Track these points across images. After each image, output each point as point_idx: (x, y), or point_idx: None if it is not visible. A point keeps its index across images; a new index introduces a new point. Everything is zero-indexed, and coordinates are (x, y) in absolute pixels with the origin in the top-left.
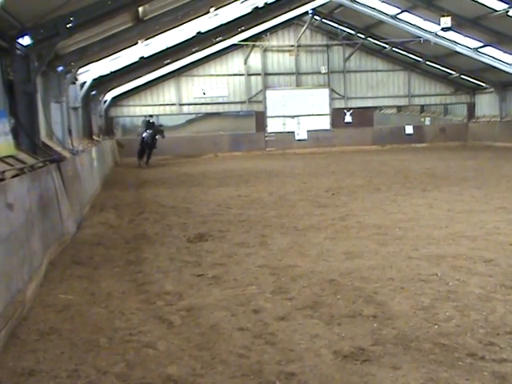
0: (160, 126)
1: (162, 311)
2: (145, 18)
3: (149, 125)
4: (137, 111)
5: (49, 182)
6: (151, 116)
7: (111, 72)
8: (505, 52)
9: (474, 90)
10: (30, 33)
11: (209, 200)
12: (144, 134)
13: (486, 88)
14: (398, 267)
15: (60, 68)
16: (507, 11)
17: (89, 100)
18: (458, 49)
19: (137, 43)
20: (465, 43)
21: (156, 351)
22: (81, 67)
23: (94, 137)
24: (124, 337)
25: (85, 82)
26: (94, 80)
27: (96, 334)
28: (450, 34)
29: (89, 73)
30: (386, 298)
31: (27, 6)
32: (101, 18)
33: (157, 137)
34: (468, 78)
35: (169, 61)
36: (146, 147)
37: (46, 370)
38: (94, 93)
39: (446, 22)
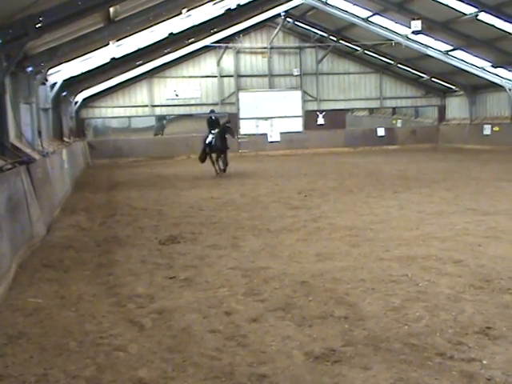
0: (227, 122)
1: (133, 314)
2: (116, 19)
3: (213, 123)
4: (108, 113)
5: (18, 184)
6: (213, 111)
7: (82, 73)
8: (474, 55)
9: (445, 92)
10: None
11: (181, 202)
12: (209, 138)
13: (456, 91)
14: (369, 268)
15: (29, 68)
16: (476, 15)
17: (59, 101)
18: (429, 52)
19: (108, 44)
20: (435, 46)
21: (127, 354)
22: (51, 68)
23: (65, 138)
24: (94, 340)
25: (55, 83)
26: (65, 81)
27: (66, 338)
28: (421, 37)
29: (59, 73)
30: (357, 299)
31: None
32: (71, 19)
33: (226, 136)
34: (439, 80)
35: (141, 62)
36: (217, 152)
37: (15, 374)
38: (64, 94)
39: (417, 25)
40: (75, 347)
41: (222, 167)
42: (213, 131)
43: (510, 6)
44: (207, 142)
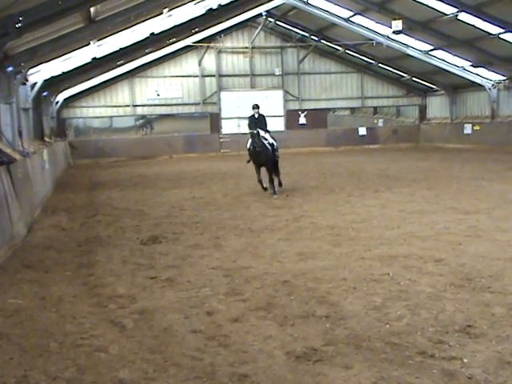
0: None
1: (115, 314)
2: (97, 19)
3: (256, 121)
4: (90, 112)
5: None
6: (257, 106)
7: (63, 73)
8: (454, 55)
9: (426, 92)
10: None
11: (163, 202)
12: (256, 142)
13: (436, 90)
14: (351, 268)
15: (9, 68)
16: (457, 15)
17: (40, 101)
18: (410, 52)
19: (89, 44)
20: (416, 46)
21: (108, 355)
22: (31, 68)
23: (46, 138)
24: (75, 341)
25: (36, 83)
26: (46, 81)
27: (46, 339)
28: (402, 37)
29: (40, 73)
30: (339, 298)
31: None
32: (51, 18)
33: (275, 143)
34: (419, 80)
35: (122, 62)
36: (266, 162)
37: None
38: (45, 94)
39: (398, 25)
40: (56, 348)
41: (274, 183)
42: (259, 135)
43: (489, 6)
44: (252, 146)
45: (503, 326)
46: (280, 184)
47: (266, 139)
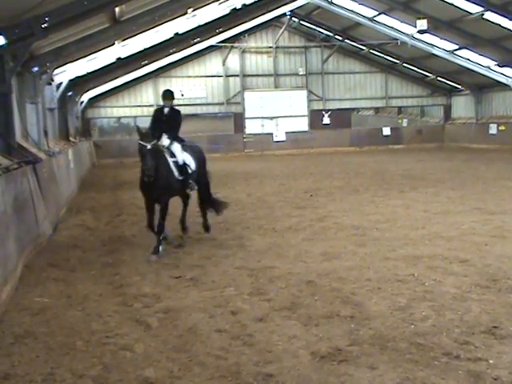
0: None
1: (140, 313)
2: (121, 19)
3: (163, 120)
4: (114, 112)
5: (24, 184)
6: (170, 95)
7: (88, 73)
8: (480, 54)
9: (450, 91)
10: (4, 33)
11: None
12: (147, 164)
13: (461, 90)
14: (376, 268)
15: (35, 68)
16: (482, 14)
17: (65, 101)
18: (435, 51)
19: (114, 44)
20: (441, 45)
21: (133, 354)
22: (57, 68)
23: (71, 138)
24: (101, 339)
25: (61, 83)
26: (71, 81)
27: (72, 337)
28: (427, 37)
29: (65, 73)
30: (363, 298)
31: (1, 6)
32: (77, 19)
33: (192, 163)
34: (444, 80)
35: (146, 62)
36: (160, 197)
37: (21, 373)
38: (70, 94)
39: (423, 24)
40: (81, 346)
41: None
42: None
43: None
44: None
45: None
46: (207, 228)
47: (171, 155)
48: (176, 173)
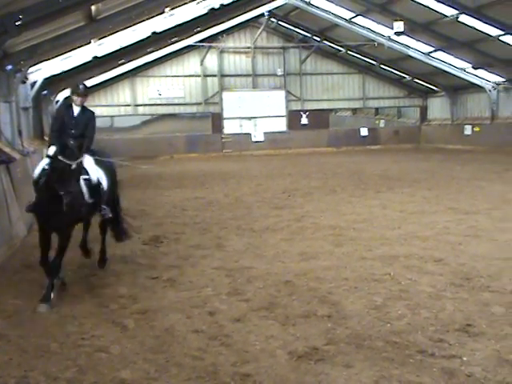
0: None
1: (116, 315)
2: (98, 17)
3: (71, 123)
4: None
5: None
6: (83, 92)
7: (63, 71)
8: (455, 57)
9: (427, 93)
10: None
11: (164, 202)
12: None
13: (437, 92)
14: (352, 267)
15: (9, 67)
16: (457, 17)
17: (40, 100)
18: (411, 53)
19: (90, 42)
20: (417, 47)
21: (109, 355)
22: (31, 66)
23: (46, 138)
24: (76, 341)
25: (36, 82)
26: (46, 79)
27: (46, 340)
28: (403, 39)
29: (40, 72)
30: (341, 297)
31: None
32: (52, 17)
33: (103, 178)
34: (420, 81)
35: (123, 61)
36: (61, 225)
37: None
38: (45, 93)
39: (399, 26)
40: (56, 349)
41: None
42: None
43: (489, 9)
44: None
45: (502, 324)
46: (103, 260)
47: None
48: (86, 195)
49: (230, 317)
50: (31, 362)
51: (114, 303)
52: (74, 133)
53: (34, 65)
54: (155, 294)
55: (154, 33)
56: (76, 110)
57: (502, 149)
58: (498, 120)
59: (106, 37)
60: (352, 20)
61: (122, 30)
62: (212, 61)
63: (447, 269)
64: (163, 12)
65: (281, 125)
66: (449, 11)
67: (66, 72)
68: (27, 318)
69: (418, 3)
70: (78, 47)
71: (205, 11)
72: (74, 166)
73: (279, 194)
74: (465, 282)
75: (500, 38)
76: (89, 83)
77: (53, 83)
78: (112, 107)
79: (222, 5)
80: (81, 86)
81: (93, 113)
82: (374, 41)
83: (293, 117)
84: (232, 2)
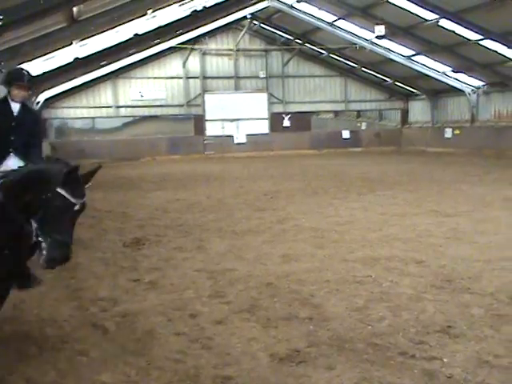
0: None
1: (96, 318)
2: (79, 19)
3: (10, 128)
4: (71, 113)
5: None
6: (28, 84)
7: (44, 72)
8: (436, 61)
9: (408, 96)
10: None
11: (146, 204)
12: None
13: (418, 95)
14: (334, 270)
15: None
16: (437, 21)
17: None
18: (392, 56)
19: (71, 44)
20: (398, 51)
21: (89, 359)
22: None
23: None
24: (55, 345)
25: None
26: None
27: (26, 343)
28: (385, 42)
29: None
30: (322, 300)
31: None
32: (33, 17)
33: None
34: (402, 84)
35: (105, 62)
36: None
37: None
38: None
39: (380, 30)
40: (35, 352)
41: None
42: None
43: (469, 13)
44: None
45: (482, 326)
46: None
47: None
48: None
49: (212, 319)
50: (10, 366)
51: (94, 306)
52: (14, 142)
53: (15, 65)
54: (136, 296)
55: (136, 34)
56: (15, 107)
57: (482, 151)
58: (477, 123)
59: (88, 38)
60: (334, 23)
61: (104, 31)
62: (194, 63)
63: (428, 271)
64: (145, 14)
65: (263, 127)
66: (429, 15)
67: (48, 73)
68: (6, 321)
69: (399, 7)
70: (60, 48)
71: (187, 13)
72: (83, 199)
73: (261, 196)
74: (445, 283)
75: (479, 42)
76: (70, 84)
77: (34, 84)
78: (93, 109)
79: (204, 7)
80: (24, 73)
81: (37, 114)
82: (355, 44)
83: (275, 119)
84: (214, 5)
